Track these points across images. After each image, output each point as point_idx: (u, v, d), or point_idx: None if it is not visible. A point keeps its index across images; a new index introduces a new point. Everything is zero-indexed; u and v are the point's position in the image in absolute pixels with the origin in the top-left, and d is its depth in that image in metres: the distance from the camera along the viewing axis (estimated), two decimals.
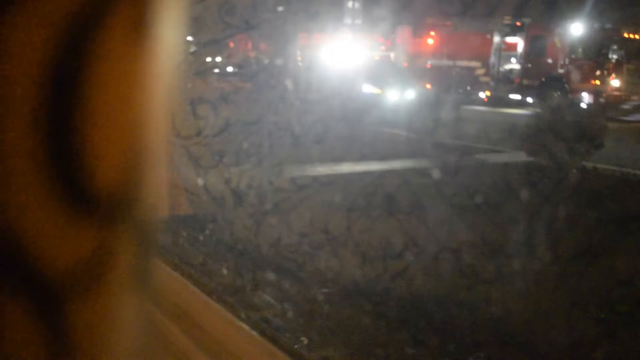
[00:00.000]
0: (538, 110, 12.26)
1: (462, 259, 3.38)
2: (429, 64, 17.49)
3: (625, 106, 14.56)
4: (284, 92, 3.57)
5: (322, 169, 6.61)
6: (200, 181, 3.57)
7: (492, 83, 17.07)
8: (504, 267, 3.45)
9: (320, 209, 3.46)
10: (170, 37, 0.59)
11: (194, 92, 3.67)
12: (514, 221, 4.13)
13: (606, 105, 14.16)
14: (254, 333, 2.46)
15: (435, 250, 3.35)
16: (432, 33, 17.79)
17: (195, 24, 3.69)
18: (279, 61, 4.77)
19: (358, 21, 14.85)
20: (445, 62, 17.30)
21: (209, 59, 3.94)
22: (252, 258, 3.18)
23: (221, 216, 3.49)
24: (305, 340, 2.27)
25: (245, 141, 3.52)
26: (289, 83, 3.58)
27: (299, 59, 11.83)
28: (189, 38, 4.15)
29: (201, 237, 3.52)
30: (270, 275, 2.95)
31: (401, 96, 14.78)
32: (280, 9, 3.64)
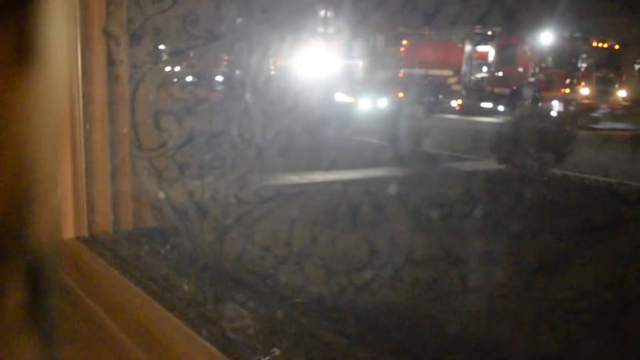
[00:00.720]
0: (509, 118, 12.36)
1: (426, 272, 3.38)
2: (401, 72, 17.61)
3: (595, 114, 14.75)
4: (249, 103, 3.55)
5: (291, 178, 6.60)
6: (164, 194, 3.53)
7: (463, 92, 17.19)
8: (466, 280, 3.45)
9: (285, 221, 3.44)
10: (59, 55, 0.56)
11: (157, 103, 3.63)
12: (480, 232, 4.14)
13: (576, 113, 14.33)
14: (214, 349, 2.43)
15: (399, 263, 3.35)
16: (404, 42, 17.93)
17: (158, 35, 3.65)
18: (246, 71, 4.75)
19: (331, 30, 14.87)
20: (418, 70, 17.42)
21: (168, 68, 3.90)
22: (215, 272, 3.14)
23: (185, 229, 3.45)
24: (265, 357, 2.24)
25: (210, 153, 3.49)
26: (248, 96, 3.56)
27: (272, 67, 11.82)
28: (162, 47, 4.11)
29: (164, 251, 3.47)
30: (233, 290, 2.92)
31: (374, 105, 14.83)
32: (239, 20, 3.62)
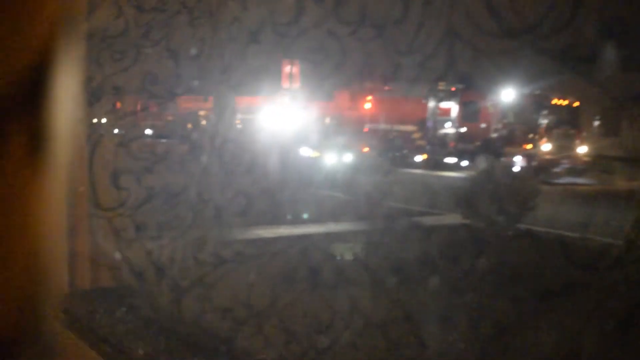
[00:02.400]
0: (472, 173, 12.51)
1: (387, 334, 3.34)
2: (366, 127, 17.83)
3: (556, 169, 14.96)
4: (210, 162, 3.53)
5: (256, 233, 6.55)
6: (121, 254, 3.47)
7: (428, 147, 17.39)
8: (427, 342, 3.42)
9: (246, 281, 3.38)
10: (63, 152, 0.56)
11: (116, 162, 3.60)
12: (442, 291, 4.12)
13: (538, 168, 14.54)
14: None
15: (360, 326, 3.30)
16: (370, 97, 18.19)
17: (117, 94, 3.64)
18: (211, 127, 4.72)
19: (296, 85, 15.02)
20: (383, 126, 17.65)
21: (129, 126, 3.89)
22: (172, 334, 3.07)
23: (142, 290, 3.38)
24: None
25: (168, 213, 3.45)
26: (204, 159, 3.54)
27: (238, 121, 11.88)
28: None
29: (120, 312, 3.39)
30: (189, 354, 2.85)
31: (339, 159, 14.91)
32: (196, 82, 3.63)
